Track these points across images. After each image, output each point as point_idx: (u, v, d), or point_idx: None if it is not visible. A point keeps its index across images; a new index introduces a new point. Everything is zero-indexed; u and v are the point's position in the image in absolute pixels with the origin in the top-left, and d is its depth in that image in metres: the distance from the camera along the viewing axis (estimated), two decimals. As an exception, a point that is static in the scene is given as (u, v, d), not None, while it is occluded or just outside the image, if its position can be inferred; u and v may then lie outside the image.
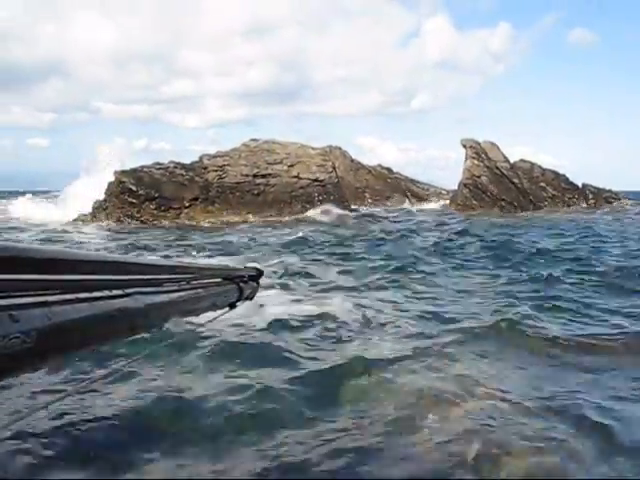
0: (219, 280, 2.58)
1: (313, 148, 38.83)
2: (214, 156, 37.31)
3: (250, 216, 33.78)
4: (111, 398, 6.07)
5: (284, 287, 12.31)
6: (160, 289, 1.77)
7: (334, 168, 38.43)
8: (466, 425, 5.61)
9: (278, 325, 8.94)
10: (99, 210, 34.07)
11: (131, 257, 2.46)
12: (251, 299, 3.13)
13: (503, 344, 8.30)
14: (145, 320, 1.61)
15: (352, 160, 47.94)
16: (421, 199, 48.43)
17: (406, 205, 45.27)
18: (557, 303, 11.13)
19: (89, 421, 5.55)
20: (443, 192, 50.65)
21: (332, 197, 36.17)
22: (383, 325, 9.24)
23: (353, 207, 38.84)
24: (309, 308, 10.17)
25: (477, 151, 43.53)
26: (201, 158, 37.32)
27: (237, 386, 6.43)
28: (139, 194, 34.19)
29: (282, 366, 7.15)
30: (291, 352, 7.68)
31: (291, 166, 36.61)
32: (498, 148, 44.80)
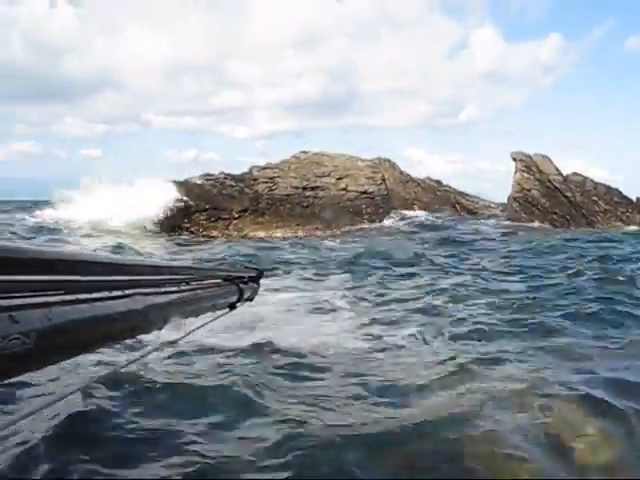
0: (219, 281, 2.60)
1: (362, 160, 38.74)
2: (264, 168, 37.53)
3: (299, 228, 33.82)
4: (111, 398, 6.03)
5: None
6: (160, 290, 1.77)
7: (383, 180, 38.26)
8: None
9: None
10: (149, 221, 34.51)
11: (131, 258, 2.45)
12: (251, 300, 3.10)
13: None
14: (145, 321, 1.62)
15: (401, 172, 47.51)
16: (470, 212, 47.77)
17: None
18: None
19: (89, 421, 5.53)
20: (492, 205, 49.82)
21: (381, 209, 36.00)
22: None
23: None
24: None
25: (527, 164, 42.79)
26: (251, 170, 37.58)
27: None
28: (189, 205, 34.56)
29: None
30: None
31: (339, 178, 36.58)
32: (550, 161, 43.99)
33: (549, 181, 42.88)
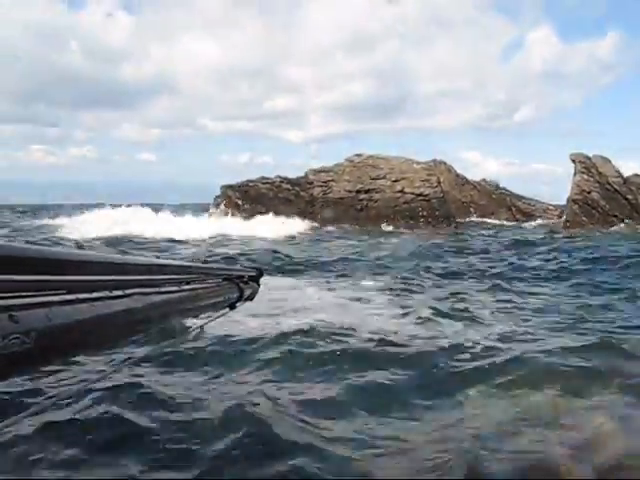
0: (219, 281, 2.57)
1: (417, 163, 38.49)
2: (319, 171, 37.68)
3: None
4: (110, 399, 5.96)
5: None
6: (160, 290, 1.75)
7: (439, 183, 37.93)
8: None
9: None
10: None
11: (131, 257, 2.44)
12: (251, 300, 3.05)
13: None
14: (145, 320, 1.60)
15: (457, 175, 47.11)
16: (527, 215, 47.00)
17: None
18: None
19: (89, 422, 5.48)
20: (550, 208, 48.92)
21: (437, 212, 35.71)
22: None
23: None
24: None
25: (587, 166, 41.88)
26: (306, 173, 37.75)
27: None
28: (245, 208, 34.95)
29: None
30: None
31: (395, 181, 36.41)
32: (610, 162, 42.97)
33: (609, 183, 41.87)
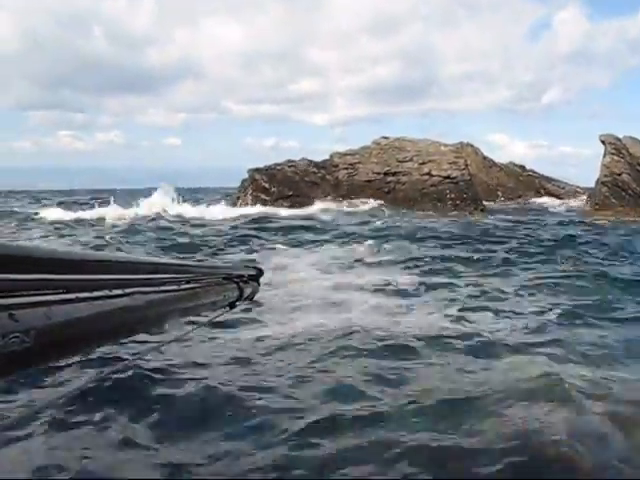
0: (219, 280, 2.55)
1: (445, 145, 38.21)
2: (345, 154, 37.57)
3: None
4: (111, 399, 5.90)
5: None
6: (160, 289, 1.74)
7: (466, 165, 37.62)
8: None
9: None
10: (233, 205, 35.20)
11: (131, 256, 2.42)
12: (251, 299, 3.03)
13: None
14: (145, 319, 1.60)
15: (484, 157, 46.68)
16: (555, 197, 46.47)
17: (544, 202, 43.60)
18: None
19: (89, 421, 5.46)
20: (579, 190, 48.30)
21: (464, 195, 35.45)
22: None
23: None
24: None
25: (617, 147, 41.20)
26: (332, 156, 37.67)
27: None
28: (272, 191, 35.00)
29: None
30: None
31: (422, 163, 36.19)
32: (641, 143, 42.25)
33: (639, 164, 41.23)
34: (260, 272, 3.28)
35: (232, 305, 2.70)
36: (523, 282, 12.88)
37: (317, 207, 32.62)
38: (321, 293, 10.82)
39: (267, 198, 34.61)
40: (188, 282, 2.06)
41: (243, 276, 2.93)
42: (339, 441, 5.15)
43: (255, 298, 3.14)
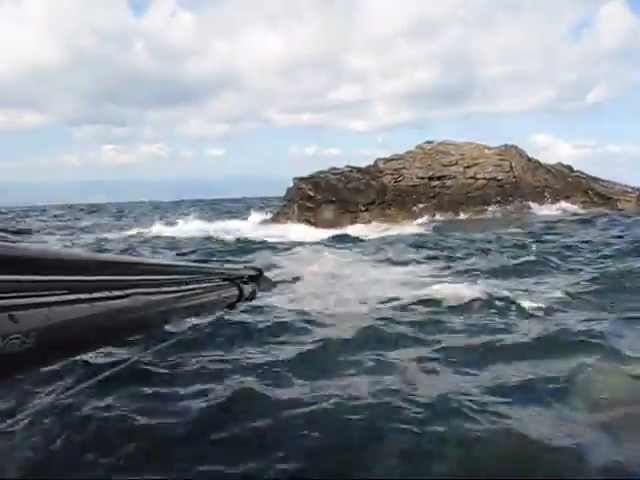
0: (219, 281, 2.58)
1: (488, 148, 37.90)
2: (389, 160, 37.52)
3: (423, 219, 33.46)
4: (112, 399, 5.87)
5: None
6: (160, 290, 1.75)
7: (511, 167, 37.25)
8: None
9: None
10: (280, 215, 35.53)
11: (131, 257, 2.43)
12: (251, 300, 3.03)
13: None
14: (145, 321, 1.61)
15: (529, 159, 46.01)
16: (605, 198, 45.53)
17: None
18: None
19: (89, 422, 5.40)
20: (629, 190, 47.20)
21: (510, 197, 35.08)
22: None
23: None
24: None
25: (668, 144, 40.33)
26: (376, 162, 37.66)
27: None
28: (317, 199, 35.13)
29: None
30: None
31: (467, 167, 35.96)
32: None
33: (692, 162, 40.13)
34: (260, 273, 3.33)
35: (232, 306, 2.75)
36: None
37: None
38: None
39: (312, 206, 34.79)
40: (188, 283, 2.11)
41: (243, 277, 3.01)
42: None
43: None
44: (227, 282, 2.69)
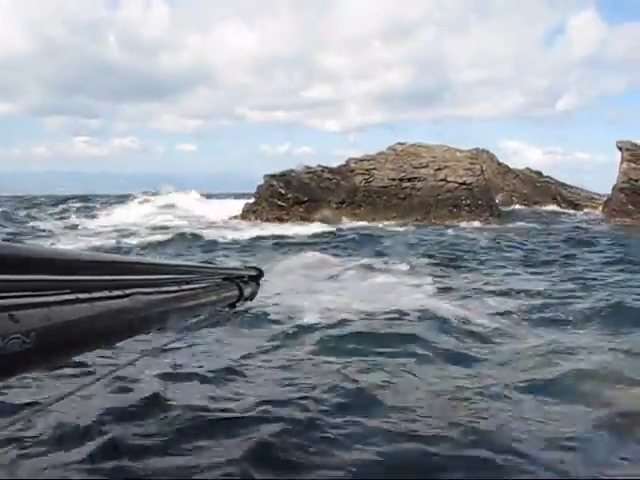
0: (219, 280, 2.57)
1: (460, 151, 38.12)
2: (361, 160, 37.56)
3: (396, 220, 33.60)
4: (113, 398, 5.91)
5: None
6: (160, 290, 1.75)
7: (482, 171, 37.53)
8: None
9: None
10: (249, 212, 35.39)
11: (131, 257, 2.44)
12: (251, 300, 3.05)
13: None
14: (145, 320, 1.61)
15: (499, 163, 46.58)
16: (572, 204, 46.22)
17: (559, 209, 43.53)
18: None
19: (90, 422, 5.39)
20: (595, 197, 47.95)
21: (480, 201, 35.36)
22: None
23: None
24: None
25: (635, 153, 40.79)
26: (348, 162, 37.69)
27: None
28: (288, 197, 35.09)
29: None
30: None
31: (438, 169, 36.12)
32: (659, 150, 41.86)
33: (658, 171, 40.82)
34: (260, 273, 3.32)
35: (232, 305, 2.74)
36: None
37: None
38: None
39: (283, 204, 34.75)
40: (188, 283, 2.09)
41: (243, 277, 2.98)
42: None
43: None
44: (227, 282, 2.68)
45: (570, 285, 13.22)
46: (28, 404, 5.37)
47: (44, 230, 27.59)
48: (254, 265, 3.69)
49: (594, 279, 14.14)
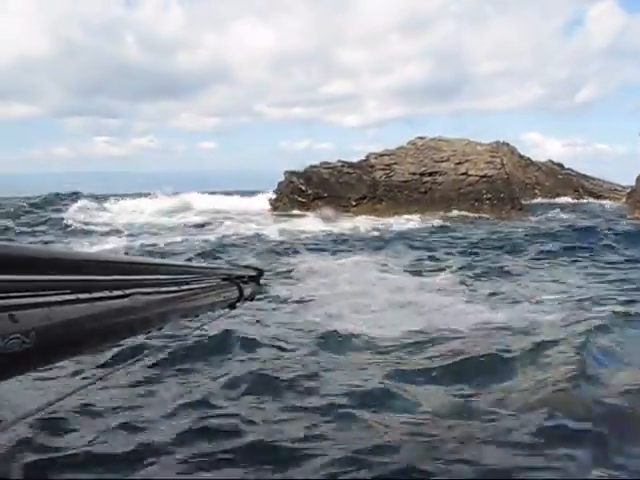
0: (219, 281, 2.57)
1: (480, 144, 37.89)
2: (381, 155, 37.43)
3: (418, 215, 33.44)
4: (113, 398, 5.92)
5: None
6: (160, 290, 1.75)
7: (503, 164, 37.26)
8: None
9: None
10: (271, 209, 35.50)
11: (131, 257, 2.43)
12: (252, 300, 3.06)
13: None
14: (145, 321, 1.60)
15: (521, 156, 46.21)
16: (594, 196, 45.76)
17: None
18: None
19: (90, 421, 5.45)
20: (618, 188, 47.43)
21: (502, 194, 35.12)
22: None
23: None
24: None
25: (658, 143, 40.46)
26: (368, 157, 37.58)
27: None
28: (308, 193, 35.11)
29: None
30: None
31: (459, 163, 35.91)
32: (683, 140, 41.30)
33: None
34: (260, 273, 3.32)
35: (232, 306, 2.73)
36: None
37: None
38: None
39: (303, 200, 34.79)
40: (188, 283, 2.09)
41: (243, 277, 2.97)
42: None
43: None
44: (227, 282, 2.68)
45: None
46: (29, 403, 5.29)
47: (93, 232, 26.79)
48: (255, 266, 3.68)
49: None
